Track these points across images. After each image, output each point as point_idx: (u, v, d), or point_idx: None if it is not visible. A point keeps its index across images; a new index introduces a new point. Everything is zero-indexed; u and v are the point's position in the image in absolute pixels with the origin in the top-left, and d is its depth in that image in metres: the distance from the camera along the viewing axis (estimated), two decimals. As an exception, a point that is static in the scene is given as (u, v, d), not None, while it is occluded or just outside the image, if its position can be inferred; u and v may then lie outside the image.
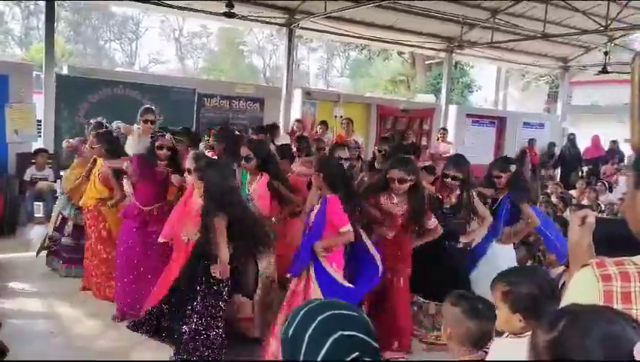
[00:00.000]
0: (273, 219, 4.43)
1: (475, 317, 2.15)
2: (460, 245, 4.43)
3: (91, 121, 5.79)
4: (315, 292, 3.55)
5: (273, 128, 8.33)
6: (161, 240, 4.18)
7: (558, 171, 13.41)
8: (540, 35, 10.35)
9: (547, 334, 1.03)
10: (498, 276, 2.15)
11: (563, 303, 1.37)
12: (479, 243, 4.60)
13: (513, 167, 4.66)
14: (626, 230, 1.32)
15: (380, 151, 5.78)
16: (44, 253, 5.88)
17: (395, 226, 4.06)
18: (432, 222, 4.10)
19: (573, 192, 8.39)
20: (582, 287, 1.23)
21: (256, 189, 4.23)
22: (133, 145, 5.64)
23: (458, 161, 4.56)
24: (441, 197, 4.46)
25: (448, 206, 4.44)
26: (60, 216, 5.53)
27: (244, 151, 4.27)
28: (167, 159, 4.59)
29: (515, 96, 21.41)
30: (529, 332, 1.99)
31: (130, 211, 4.61)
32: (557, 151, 13.57)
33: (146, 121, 5.70)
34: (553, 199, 7.53)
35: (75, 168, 5.66)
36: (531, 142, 12.87)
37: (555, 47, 13.23)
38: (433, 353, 4.35)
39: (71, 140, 6.17)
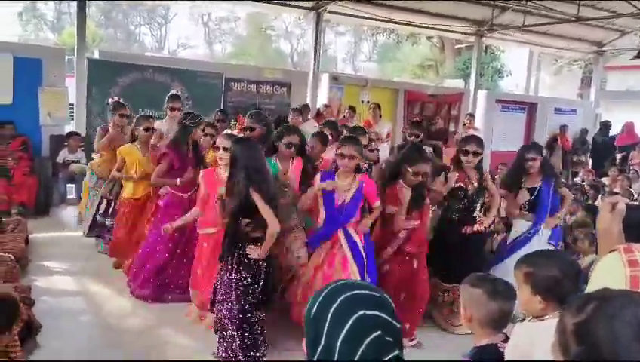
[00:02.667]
0: None
1: (497, 297, 2.14)
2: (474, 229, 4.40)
3: (109, 101, 5.97)
4: (348, 259, 3.80)
5: (305, 109, 8.52)
6: (206, 231, 4.15)
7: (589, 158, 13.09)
8: (573, 19, 10.07)
9: (575, 317, 1.03)
10: (522, 258, 2.16)
11: (589, 288, 1.35)
12: (523, 232, 4.60)
13: (544, 152, 4.66)
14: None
15: (410, 135, 5.72)
16: (78, 232, 6.10)
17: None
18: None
19: (605, 180, 8.20)
20: (608, 272, 1.21)
21: (293, 172, 4.21)
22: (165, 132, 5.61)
23: (478, 139, 4.57)
24: (463, 185, 4.40)
25: (471, 191, 4.39)
26: (104, 200, 5.64)
27: (293, 138, 4.20)
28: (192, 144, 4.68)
29: (547, 81, 20.92)
30: (549, 315, 2.00)
31: (171, 200, 4.68)
32: (590, 138, 13.23)
33: (172, 109, 5.77)
34: (585, 186, 7.38)
35: (103, 154, 5.76)
36: (563, 128, 12.58)
37: (589, 30, 12.83)
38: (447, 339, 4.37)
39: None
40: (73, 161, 7.66)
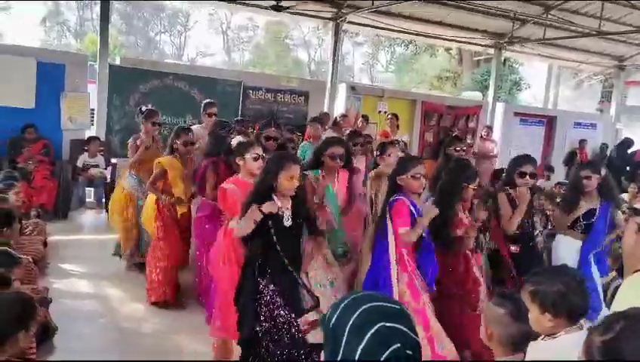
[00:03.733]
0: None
1: (519, 319, 2.11)
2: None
3: (142, 108, 5.81)
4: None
5: (325, 117, 8.54)
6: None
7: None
8: (594, 33, 9.99)
9: (602, 335, 1.02)
10: (526, 277, 2.16)
11: (614, 308, 1.33)
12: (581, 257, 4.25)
13: (604, 171, 4.36)
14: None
15: (457, 151, 5.25)
16: (96, 236, 6.13)
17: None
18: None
19: (624, 196, 8.07)
20: (633, 292, 1.19)
21: (340, 187, 4.07)
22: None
23: (531, 158, 4.23)
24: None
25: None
26: None
27: (337, 149, 4.00)
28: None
29: (567, 95, 20.72)
30: (562, 332, 1.99)
31: (207, 209, 4.54)
32: (609, 153, 13.06)
33: (210, 115, 5.80)
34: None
35: (144, 163, 5.44)
36: (582, 143, 12.44)
37: (611, 44, 12.70)
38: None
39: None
40: (92, 166, 7.76)
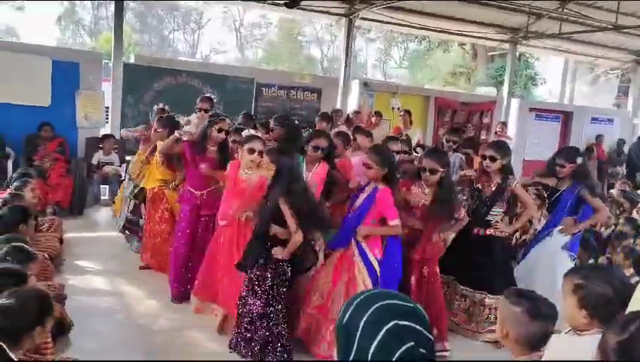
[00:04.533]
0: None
1: (538, 318, 2.04)
2: (500, 233, 4.34)
3: (154, 107, 6.08)
4: (360, 270, 3.77)
5: (337, 114, 8.59)
6: (222, 223, 4.26)
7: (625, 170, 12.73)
8: (611, 27, 9.83)
9: (618, 336, 1.00)
10: (575, 268, 2.09)
11: (631, 308, 1.31)
12: (538, 232, 4.58)
13: (580, 159, 4.49)
14: None
15: (447, 141, 5.69)
16: (111, 233, 6.23)
17: (419, 217, 4.05)
18: (460, 212, 4.09)
19: (641, 192, 7.95)
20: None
21: (313, 177, 4.26)
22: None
23: (498, 144, 4.50)
24: (480, 186, 4.37)
25: (488, 194, 4.33)
26: (133, 201, 5.78)
27: (320, 141, 4.28)
28: (218, 145, 4.69)
29: (583, 90, 20.47)
30: (590, 331, 1.93)
31: (183, 196, 4.79)
32: (627, 149, 12.88)
33: (200, 110, 5.90)
34: (620, 198, 7.17)
35: (141, 154, 5.91)
36: (599, 138, 12.28)
37: (628, 38, 12.49)
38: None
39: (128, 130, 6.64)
40: (107, 163, 7.83)
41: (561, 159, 4.49)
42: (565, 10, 10.25)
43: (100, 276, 5.29)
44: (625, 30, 10.72)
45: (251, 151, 4.08)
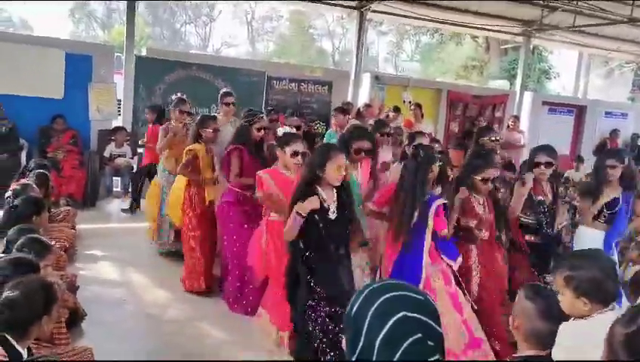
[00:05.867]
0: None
1: (549, 318, 2.06)
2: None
3: (172, 97, 6.03)
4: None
5: (349, 106, 8.51)
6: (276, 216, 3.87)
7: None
8: (626, 20, 9.69)
9: (625, 328, 1.00)
10: (558, 261, 2.15)
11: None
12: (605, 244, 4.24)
13: (627, 160, 4.33)
14: None
15: (491, 140, 5.19)
16: (123, 224, 6.26)
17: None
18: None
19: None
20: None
21: (361, 176, 4.14)
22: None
23: (548, 147, 4.28)
24: (542, 198, 4.16)
25: (547, 203, 4.17)
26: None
27: (364, 144, 4.04)
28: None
29: (597, 83, 20.23)
30: (595, 314, 1.96)
31: (237, 198, 4.59)
32: (641, 143, 12.72)
33: (227, 104, 5.81)
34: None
35: (172, 148, 5.62)
36: (613, 133, 12.12)
37: (643, 31, 12.34)
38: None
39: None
40: (119, 156, 7.88)
41: (611, 159, 4.20)
42: (580, 3, 10.11)
43: (112, 267, 5.35)
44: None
45: (295, 154, 3.81)
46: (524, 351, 2.13)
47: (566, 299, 2.07)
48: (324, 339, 3.09)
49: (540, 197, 4.17)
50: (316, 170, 3.12)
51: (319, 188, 3.13)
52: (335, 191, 3.19)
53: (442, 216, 3.54)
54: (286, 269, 3.27)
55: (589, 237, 4.29)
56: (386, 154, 5.14)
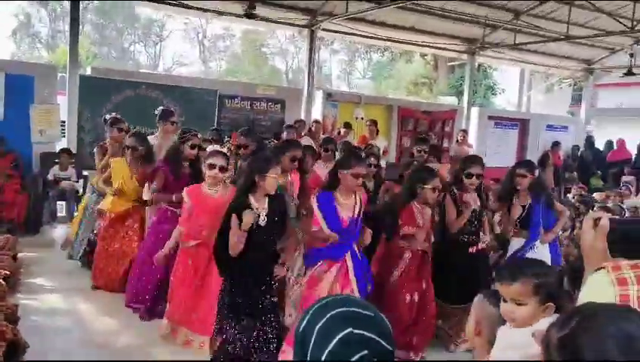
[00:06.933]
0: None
1: None
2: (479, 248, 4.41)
3: (106, 117, 5.93)
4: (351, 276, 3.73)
5: (301, 124, 8.68)
6: (193, 243, 4.03)
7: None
8: (563, 37, 10.20)
9: (559, 332, 1.01)
10: (522, 270, 2.09)
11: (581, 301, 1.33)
12: (522, 248, 4.54)
13: (537, 172, 4.63)
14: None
15: (419, 151, 5.89)
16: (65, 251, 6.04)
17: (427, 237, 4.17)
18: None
19: (596, 195, 8.22)
20: (597, 291, 1.19)
21: (292, 185, 4.30)
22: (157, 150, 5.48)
23: (479, 158, 4.56)
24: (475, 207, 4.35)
25: (477, 211, 4.37)
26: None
27: (299, 153, 4.35)
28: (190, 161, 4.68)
29: (539, 98, 21.09)
30: (540, 321, 2.01)
31: (165, 216, 4.64)
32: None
33: (170, 123, 5.71)
34: (576, 203, 7.39)
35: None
36: (555, 145, 12.65)
37: (579, 49, 13.00)
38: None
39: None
40: (64, 179, 7.60)
41: (522, 169, 4.52)
42: (519, 22, 10.59)
43: (57, 294, 5.13)
44: (576, 40, 11.14)
45: (212, 166, 3.98)
46: (485, 355, 2.15)
47: (528, 309, 2.00)
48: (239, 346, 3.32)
49: (474, 207, 4.35)
50: (256, 178, 3.31)
51: (252, 198, 3.32)
52: (267, 198, 3.40)
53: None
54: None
55: (516, 244, 4.61)
56: (323, 168, 5.28)
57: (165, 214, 4.67)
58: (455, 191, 4.38)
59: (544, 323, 2.00)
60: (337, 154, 5.78)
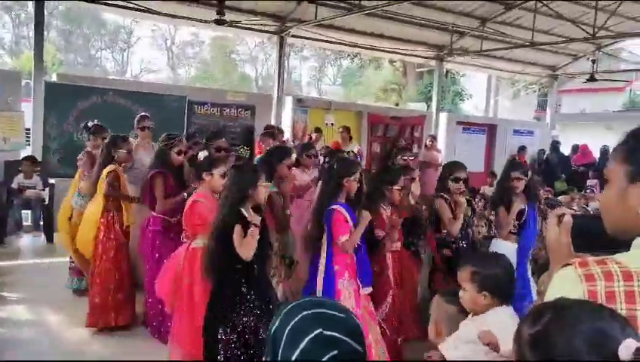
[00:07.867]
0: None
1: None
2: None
3: (88, 124, 5.64)
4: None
5: (277, 130, 8.52)
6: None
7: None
8: (528, 44, 10.45)
9: (531, 328, 1.01)
10: (466, 259, 2.31)
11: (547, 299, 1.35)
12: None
13: (529, 173, 4.61)
14: (601, 226, 1.32)
15: (404, 160, 5.61)
16: (34, 260, 5.86)
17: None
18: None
19: (562, 198, 8.43)
20: (565, 287, 1.19)
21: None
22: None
23: (461, 163, 4.51)
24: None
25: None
26: None
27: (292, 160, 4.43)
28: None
29: (506, 104, 21.55)
30: (491, 311, 2.08)
31: (162, 225, 4.46)
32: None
33: (143, 128, 5.63)
34: (542, 206, 7.56)
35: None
36: (521, 149, 12.92)
37: (544, 55, 13.35)
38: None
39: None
40: (29, 187, 7.40)
41: (517, 172, 4.43)
42: (486, 29, 10.81)
43: (24, 305, 5.00)
44: (541, 47, 11.42)
45: (223, 175, 3.75)
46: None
47: (468, 294, 2.20)
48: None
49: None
50: (248, 190, 3.21)
51: (243, 210, 3.19)
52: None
53: (340, 223, 3.50)
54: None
55: (503, 249, 4.34)
56: (311, 175, 5.24)
57: (162, 224, 4.45)
58: (445, 195, 4.33)
59: (489, 320, 2.10)
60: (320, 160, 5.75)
